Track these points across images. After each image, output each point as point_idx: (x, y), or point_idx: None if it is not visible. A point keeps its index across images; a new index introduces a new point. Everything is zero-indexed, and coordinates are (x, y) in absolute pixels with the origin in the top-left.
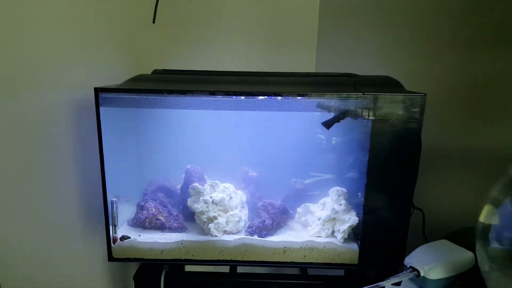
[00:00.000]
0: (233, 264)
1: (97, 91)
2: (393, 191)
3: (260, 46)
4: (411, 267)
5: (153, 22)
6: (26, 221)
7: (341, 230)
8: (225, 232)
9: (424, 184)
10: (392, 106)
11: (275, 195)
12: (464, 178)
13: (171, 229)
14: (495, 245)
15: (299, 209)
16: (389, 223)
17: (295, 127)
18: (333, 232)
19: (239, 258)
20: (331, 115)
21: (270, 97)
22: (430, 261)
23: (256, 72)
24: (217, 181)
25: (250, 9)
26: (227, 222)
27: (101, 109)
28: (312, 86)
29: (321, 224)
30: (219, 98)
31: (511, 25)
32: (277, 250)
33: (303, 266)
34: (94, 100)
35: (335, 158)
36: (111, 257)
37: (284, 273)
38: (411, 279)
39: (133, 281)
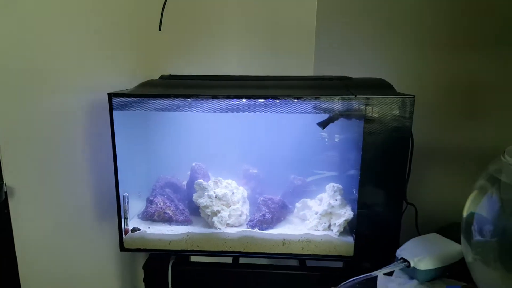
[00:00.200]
0: (236, 255)
1: (111, 96)
2: (385, 186)
3: (260, 52)
4: (402, 258)
5: (159, 29)
6: (45, 214)
7: (337, 224)
8: (228, 225)
9: (417, 181)
10: (383, 107)
11: (275, 191)
12: (455, 175)
13: (178, 222)
14: (477, 237)
15: (297, 204)
16: (383, 217)
17: (293, 128)
18: (329, 225)
19: (241, 250)
20: (326, 116)
21: (269, 99)
22: (419, 252)
23: (256, 76)
24: (220, 178)
25: (250, 18)
26: (229, 216)
27: (114, 112)
28: (308, 89)
29: (318, 218)
30: (222, 101)
31: (498, 30)
32: (277, 242)
33: (301, 258)
34: (106, 103)
35: (331, 156)
36: (122, 248)
37: (283, 265)
38: (402, 270)
39: (142, 271)
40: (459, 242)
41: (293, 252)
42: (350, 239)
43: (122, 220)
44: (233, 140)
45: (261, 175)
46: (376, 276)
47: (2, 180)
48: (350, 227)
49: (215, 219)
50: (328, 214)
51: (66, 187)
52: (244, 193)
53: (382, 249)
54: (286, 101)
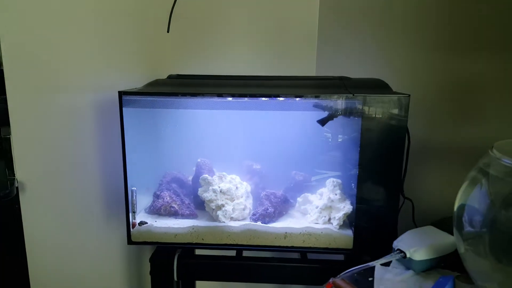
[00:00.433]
0: (239, 248)
1: (121, 94)
2: (383, 181)
3: (265, 53)
4: (398, 249)
5: (168, 31)
6: (55, 209)
7: (336, 218)
8: (231, 218)
9: (414, 176)
10: (380, 106)
11: (277, 186)
12: (450, 171)
13: (184, 216)
14: (468, 228)
15: (299, 199)
16: (380, 211)
17: (295, 125)
18: (329, 219)
19: (244, 243)
20: (326, 114)
21: (271, 98)
22: (415, 244)
23: (260, 76)
24: (224, 173)
25: (255, 20)
26: (233, 210)
27: (124, 109)
28: (309, 89)
29: (319, 212)
30: (226, 99)
31: (492, 31)
32: (279, 235)
33: (302, 250)
34: (115, 101)
35: (331, 152)
36: (130, 241)
37: (286, 257)
38: (398, 260)
39: (148, 264)
40: (453, 234)
41: (294, 245)
42: (349, 232)
43: (130, 214)
44: (237, 137)
45: (264, 170)
46: (374, 267)
47: (14, 175)
48: (350, 221)
49: (219, 213)
50: (328, 208)
51: (76, 182)
52: (247, 188)
53: (380, 241)
54: (288, 100)
